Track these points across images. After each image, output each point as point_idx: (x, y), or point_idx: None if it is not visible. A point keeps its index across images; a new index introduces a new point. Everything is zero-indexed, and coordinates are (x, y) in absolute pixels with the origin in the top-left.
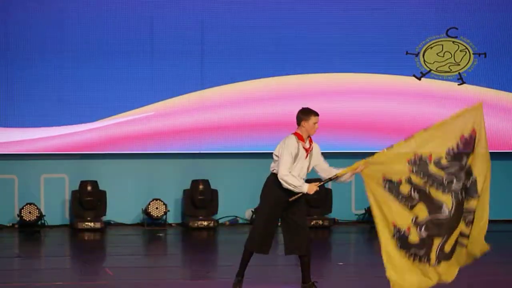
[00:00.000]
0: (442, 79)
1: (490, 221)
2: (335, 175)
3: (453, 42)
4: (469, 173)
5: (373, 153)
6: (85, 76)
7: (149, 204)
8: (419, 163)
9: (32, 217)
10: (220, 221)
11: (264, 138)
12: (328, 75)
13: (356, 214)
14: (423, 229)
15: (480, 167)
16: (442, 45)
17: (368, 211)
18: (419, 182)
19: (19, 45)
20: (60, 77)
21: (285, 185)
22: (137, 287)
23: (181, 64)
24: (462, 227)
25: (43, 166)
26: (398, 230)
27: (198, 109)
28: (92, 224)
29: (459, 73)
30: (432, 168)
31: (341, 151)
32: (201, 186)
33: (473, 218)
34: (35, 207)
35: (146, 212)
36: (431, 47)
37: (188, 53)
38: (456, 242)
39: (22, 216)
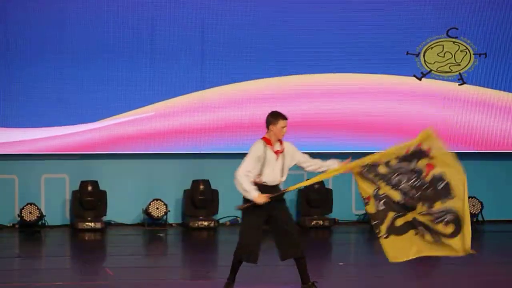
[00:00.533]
0: (443, 79)
1: (491, 221)
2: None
3: (454, 42)
4: (438, 178)
5: (373, 153)
6: (86, 76)
7: (150, 204)
8: (370, 167)
9: (33, 217)
10: (221, 221)
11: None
12: (328, 75)
13: (356, 215)
14: (381, 202)
15: (450, 171)
16: (443, 45)
17: None
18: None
19: (19, 46)
20: (60, 77)
21: (237, 184)
22: (137, 287)
23: (181, 64)
24: (426, 220)
25: (44, 166)
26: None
27: (198, 109)
28: (92, 224)
29: (459, 73)
30: (381, 168)
31: (341, 151)
32: (201, 186)
33: (459, 218)
34: (36, 207)
35: (146, 212)
36: (432, 48)
37: (188, 53)
38: (412, 224)
39: (23, 216)
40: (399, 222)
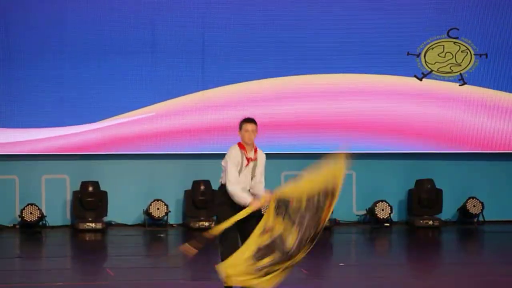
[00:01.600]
0: (443, 80)
1: (492, 222)
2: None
3: (454, 43)
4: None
5: (373, 154)
6: (86, 77)
7: (150, 204)
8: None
9: (33, 217)
10: None
11: (266, 138)
12: (329, 76)
13: (357, 215)
14: (272, 239)
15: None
16: (443, 45)
17: (369, 211)
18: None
19: (20, 46)
20: (61, 77)
21: (234, 198)
22: None
23: (182, 64)
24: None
25: (44, 166)
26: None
27: (199, 109)
28: (93, 225)
29: (460, 73)
30: (293, 204)
31: (341, 152)
32: (202, 187)
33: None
34: (36, 208)
35: (147, 212)
36: (432, 48)
37: (189, 53)
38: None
39: (23, 217)
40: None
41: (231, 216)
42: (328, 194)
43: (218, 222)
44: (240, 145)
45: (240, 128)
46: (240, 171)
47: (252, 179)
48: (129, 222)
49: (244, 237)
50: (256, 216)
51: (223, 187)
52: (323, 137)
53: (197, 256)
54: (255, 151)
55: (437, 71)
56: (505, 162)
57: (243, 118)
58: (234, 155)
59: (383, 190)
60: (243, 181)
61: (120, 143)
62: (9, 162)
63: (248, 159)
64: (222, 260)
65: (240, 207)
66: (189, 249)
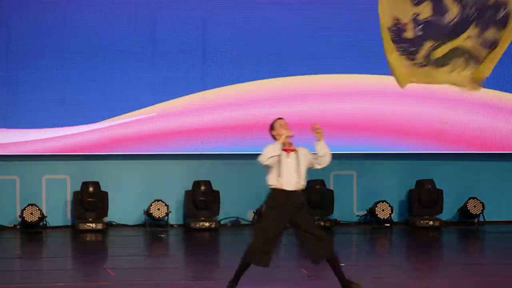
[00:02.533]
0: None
1: (493, 222)
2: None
3: None
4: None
5: (373, 154)
6: (87, 77)
7: (151, 205)
8: None
9: (34, 218)
10: (222, 222)
11: (266, 139)
12: (328, 76)
13: (357, 215)
14: (419, 27)
15: None
16: None
17: (370, 212)
18: None
19: (21, 47)
20: (61, 78)
21: (265, 161)
22: None
23: (182, 65)
24: (466, 44)
25: (45, 167)
26: (397, 24)
27: (199, 110)
28: (93, 225)
29: None
30: None
31: (341, 152)
32: (202, 187)
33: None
34: (37, 208)
35: (147, 213)
36: None
37: (189, 54)
38: (452, 53)
39: (24, 217)
40: (438, 54)
41: (275, 222)
42: None
43: (261, 224)
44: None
45: (273, 127)
46: (280, 166)
47: (298, 170)
48: (130, 222)
49: (300, 232)
50: (304, 213)
51: (271, 191)
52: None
53: (197, 256)
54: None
55: None
56: (506, 162)
57: (278, 118)
58: (270, 144)
59: (384, 191)
60: (287, 177)
61: (121, 143)
62: (9, 162)
63: (287, 150)
64: (247, 252)
65: (287, 213)
66: None
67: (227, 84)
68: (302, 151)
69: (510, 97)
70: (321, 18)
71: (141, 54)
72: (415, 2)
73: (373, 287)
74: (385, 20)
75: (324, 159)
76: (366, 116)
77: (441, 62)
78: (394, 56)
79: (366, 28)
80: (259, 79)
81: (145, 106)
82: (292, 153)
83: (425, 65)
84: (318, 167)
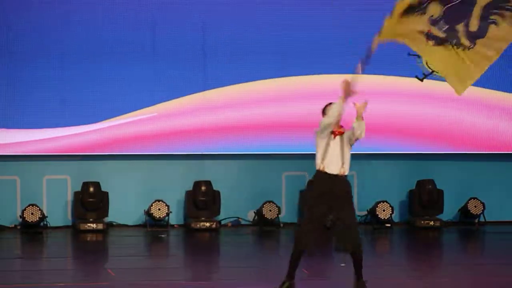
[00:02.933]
0: (444, 80)
1: (493, 222)
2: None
3: None
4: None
5: (374, 154)
6: (88, 78)
7: (151, 205)
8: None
9: (34, 218)
10: (222, 222)
11: (267, 139)
12: (330, 76)
13: (358, 216)
14: (441, 22)
15: None
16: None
17: (371, 212)
18: None
19: (21, 47)
20: (62, 78)
21: (327, 120)
22: None
23: (183, 65)
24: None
25: (45, 167)
26: (426, 33)
27: (200, 110)
28: (94, 225)
29: None
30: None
31: None
32: (203, 187)
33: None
34: (37, 208)
35: (148, 213)
36: None
37: (190, 54)
38: (486, 19)
39: (24, 217)
40: (473, 27)
41: (316, 205)
42: None
43: (305, 209)
44: None
45: (326, 113)
46: (327, 150)
47: (342, 154)
48: (130, 222)
49: (335, 224)
50: (346, 203)
51: (315, 174)
52: None
53: (198, 257)
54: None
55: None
56: (506, 162)
57: (329, 103)
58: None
59: (384, 191)
60: (332, 162)
61: (121, 143)
62: (10, 162)
63: (334, 132)
64: (295, 244)
65: (325, 194)
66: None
67: (228, 84)
68: (346, 134)
69: (511, 97)
70: (321, 18)
71: (142, 54)
72: (420, 10)
73: (373, 287)
74: (413, 40)
75: (359, 135)
76: (366, 116)
77: (482, 32)
78: (458, 56)
79: (369, 28)
80: (260, 79)
81: (146, 106)
82: (338, 136)
83: (474, 46)
84: (354, 140)
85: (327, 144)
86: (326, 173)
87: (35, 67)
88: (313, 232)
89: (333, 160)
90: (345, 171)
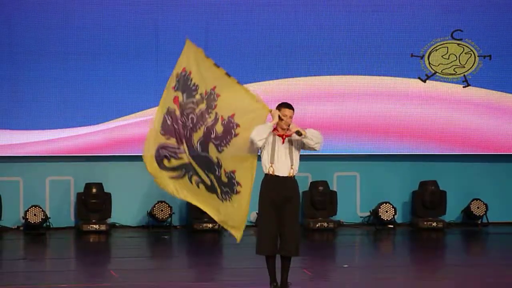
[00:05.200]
0: (447, 82)
1: (496, 223)
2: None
3: (458, 44)
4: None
5: (377, 155)
6: (90, 79)
7: (154, 206)
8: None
9: (37, 219)
10: None
11: None
12: (332, 77)
13: (361, 217)
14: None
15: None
16: (447, 47)
17: (373, 213)
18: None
19: (23, 48)
20: (65, 79)
21: (256, 138)
22: None
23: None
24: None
25: (48, 168)
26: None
27: None
28: (97, 226)
29: (464, 75)
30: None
31: (345, 154)
32: None
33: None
34: (40, 209)
35: (151, 214)
36: (436, 50)
37: None
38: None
39: (27, 218)
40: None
41: (267, 209)
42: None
43: (260, 215)
44: (273, 129)
45: (280, 109)
46: (274, 152)
47: (291, 155)
48: (133, 223)
49: (283, 222)
50: (293, 206)
51: (265, 177)
52: (327, 139)
53: (201, 258)
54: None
55: (441, 72)
56: (509, 163)
57: (281, 103)
58: (259, 125)
59: (387, 192)
60: (280, 164)
61: (124, 144)
62: (13, 164)
63: (282, 136)
64: (257, 245)
65: (274, 196)
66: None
67: None
68: (295, 127)
69: None
70: (325, 20)
71: (145, 55)
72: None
73: None
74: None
75: (314, 146)
76: (369, 117)
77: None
78: None
79: (371, 30)
80: (263, 81)
81: (149, 108)
82: (287, 138)
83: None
84: (308, 148)
85: (275, 148)
86: (276, 176)
87: (37, 68)
88: (269, 236)
89: (282, 163)
90: (294, 171)
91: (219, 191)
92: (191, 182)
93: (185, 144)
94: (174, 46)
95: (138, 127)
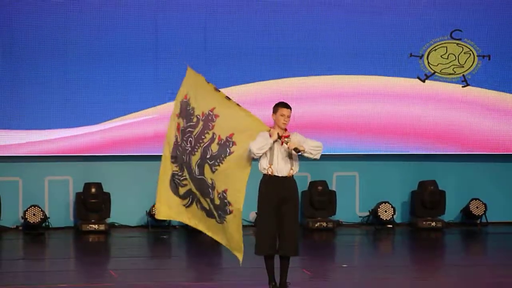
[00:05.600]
0: (446, 81)
1: (495, 223)
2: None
3: (457, 44)
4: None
5: (376, 155)
6: (90, 79)
7: (153, 206)
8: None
9: (36, 219)
10: None
11: None
12: (331, 77)
13: (360, 216)
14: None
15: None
16: (446, 47)
17: (372, 213)
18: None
19: (23, 48)
20: (64, 79)
21: (257, 152)
22: None
23: (185, 66)
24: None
25: (47, 168)
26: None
27: None
28: (96, 226)
29: (463, 75)
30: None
31: (344, 153)
32: None
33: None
34: (39, 209)
35: (150, 214)
36: (435, 49)
37: (191, 56)
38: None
39: (27, 218)
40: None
41: (265, 209)
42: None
43: (259, 216)
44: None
45: (275, 111)
46: (273, 154)
47: (291, 158)
48: (132, 223)
49: (282, 222)
50: (292, 206)
51: (264, 177)
52: (325, 138)
53: (200, 258)
54: (286, 131)
55: (440, 72)
56: (508, 163)
57: (279, 103)
58: (261, 133)
59: (386, 192)
60: (279, 164)
61: (123, 144)
62: (12, 163)
63: (281, 137)
64: (255, 245)
65: (273, 196)
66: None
67: (229, 86)
68: (296, 138)
69: None
70: (324, 20)
71: (144, 55)
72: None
73: None
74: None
75: (315, 156)
76: (368, 117)
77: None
78: None
79: (370, 30)
80: (262, 80)
81: (148, 107)
82: (286, 139)
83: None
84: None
85: (273, 150)
86: (275, 176)
87: (37, 68)
88: (268, 236)
89: (282, 165)
90: (294, 172)
91: (215, 215)
92: (198, 208)
93: (185, 170)
94: (174, 46)
95: (137, 127)
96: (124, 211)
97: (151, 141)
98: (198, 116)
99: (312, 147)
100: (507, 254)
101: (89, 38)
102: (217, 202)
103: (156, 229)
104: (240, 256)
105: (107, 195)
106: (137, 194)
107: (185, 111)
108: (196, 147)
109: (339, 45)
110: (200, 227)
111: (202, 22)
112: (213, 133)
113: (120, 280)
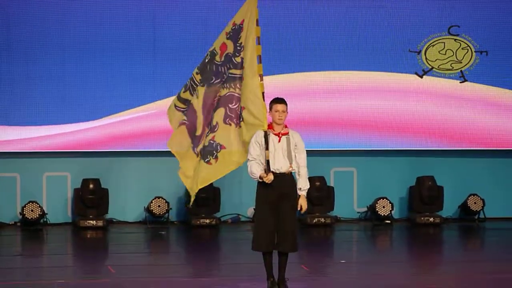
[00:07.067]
0: (444, 77)
1: (493, 219)
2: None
3: (455, 40)
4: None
5: (374, 151)
6: (88, 74)
7: (151, 202)
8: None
9: (34, 215)
10: (222, 219)
11: None
12: (329, 73)
13: (358, 212)
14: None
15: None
16: (444, 43)
17: (370, 208)
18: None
19: (21, 44)
20: (62, 75)
21: (249, 169)
22: (139, 285)
23: (184, 62)
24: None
25: (46, 164)
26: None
27: None
28: (94, 222)
29: (461, 71)
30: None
31: (342, 149)
32: None
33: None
34: (37, 205)
35: (148, 210)
36: (433, 45)
37: (190, 51)
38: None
39: (24, 214)
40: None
41: (264, 205)
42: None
43: (257, 213)
44: (269, 127)
45: (270, 108)
46: (272, 149)
47: (289, 154)
48: (130, 219)
49: (280, 218)
50: (292, 200)
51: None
52: (324, 134)
53: (198, 253)
54: (285, 127)
55: (438, 68)
56: (506, 159)
57: (273, 99)
58: (255, 135)
59: (384, 187)
60: (276, 162)
61: (121, 140)
62: (10, 159)
63: (278, 134)
64: (253, 241)
65: (271, 193)
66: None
67: None
68: (295, 138)
69: (511, 94)
70: (322, 15)
71: (142, 51)
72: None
73: (373, 284)
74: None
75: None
76: (366, 112)
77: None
78: None
79: (368, 26)
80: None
81: (146, 103)
82: (284, 137)
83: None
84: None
85: (272, 147)
86: (273, 172)
87: (35, 64)
88: (266, 232)
89: (280, 162)
90: (293, 168)
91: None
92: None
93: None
94: (172, 41)
95: (135, 123)
96: (122, 207)
97: (149, 137)
98: (243, 60)
99: (306, 179)
100: (505, 249)
101: (86, 34)
102: (206, 143)
103: (154, 225)
104: (193, 188)
105: (105, 191)
106: (135, 190)
107: (234, 39)
108: (228, 85)
109: (337, 41)
110: (201, 182)
111: (202, 16)
112: (240, 93)
113: (118, 276)
